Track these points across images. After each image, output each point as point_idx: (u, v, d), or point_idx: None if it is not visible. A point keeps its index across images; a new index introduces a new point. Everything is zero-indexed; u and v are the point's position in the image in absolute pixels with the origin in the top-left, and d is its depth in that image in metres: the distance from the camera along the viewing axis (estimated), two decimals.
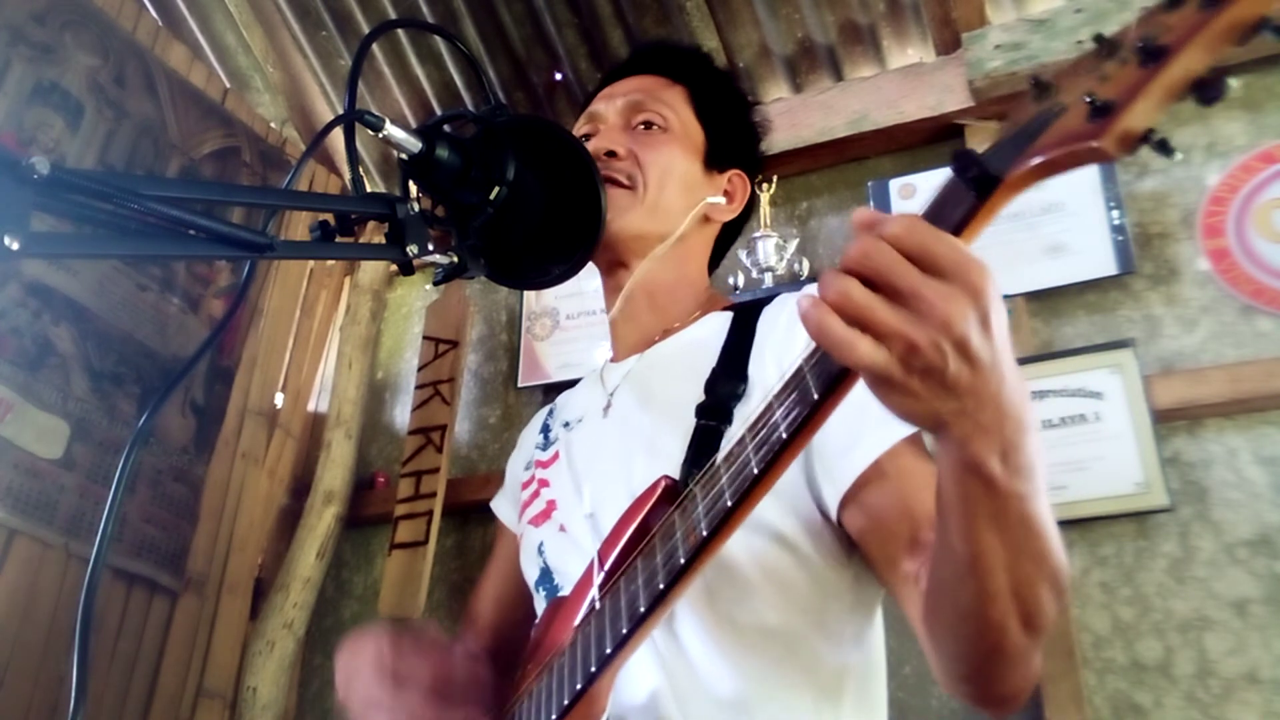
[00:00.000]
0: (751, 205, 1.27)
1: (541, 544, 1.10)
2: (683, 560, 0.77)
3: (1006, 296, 2.07)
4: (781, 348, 0.98)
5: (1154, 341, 1.96)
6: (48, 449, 1.96)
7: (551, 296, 2.61)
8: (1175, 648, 1.76)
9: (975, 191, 0.57)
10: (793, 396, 0.68)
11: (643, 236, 1.12)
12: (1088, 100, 0.53)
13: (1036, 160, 0.55)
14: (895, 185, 2.30)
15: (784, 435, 0.68)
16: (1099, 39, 0.57)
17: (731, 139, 1.22)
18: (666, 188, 1.13)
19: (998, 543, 0.66)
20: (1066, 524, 1.88)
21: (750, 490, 0.72)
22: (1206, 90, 0.51)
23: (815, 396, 0.65)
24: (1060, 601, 0.72)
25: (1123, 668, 1.78)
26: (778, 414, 0.69)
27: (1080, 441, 1.90)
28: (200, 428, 2.35)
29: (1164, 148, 0.52)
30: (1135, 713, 1.74)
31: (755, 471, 0.70)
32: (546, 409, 1.29)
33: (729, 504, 0.73)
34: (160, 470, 2.22)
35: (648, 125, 1.17)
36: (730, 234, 1.26)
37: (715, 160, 1.20)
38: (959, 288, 0.56)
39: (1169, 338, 1.96)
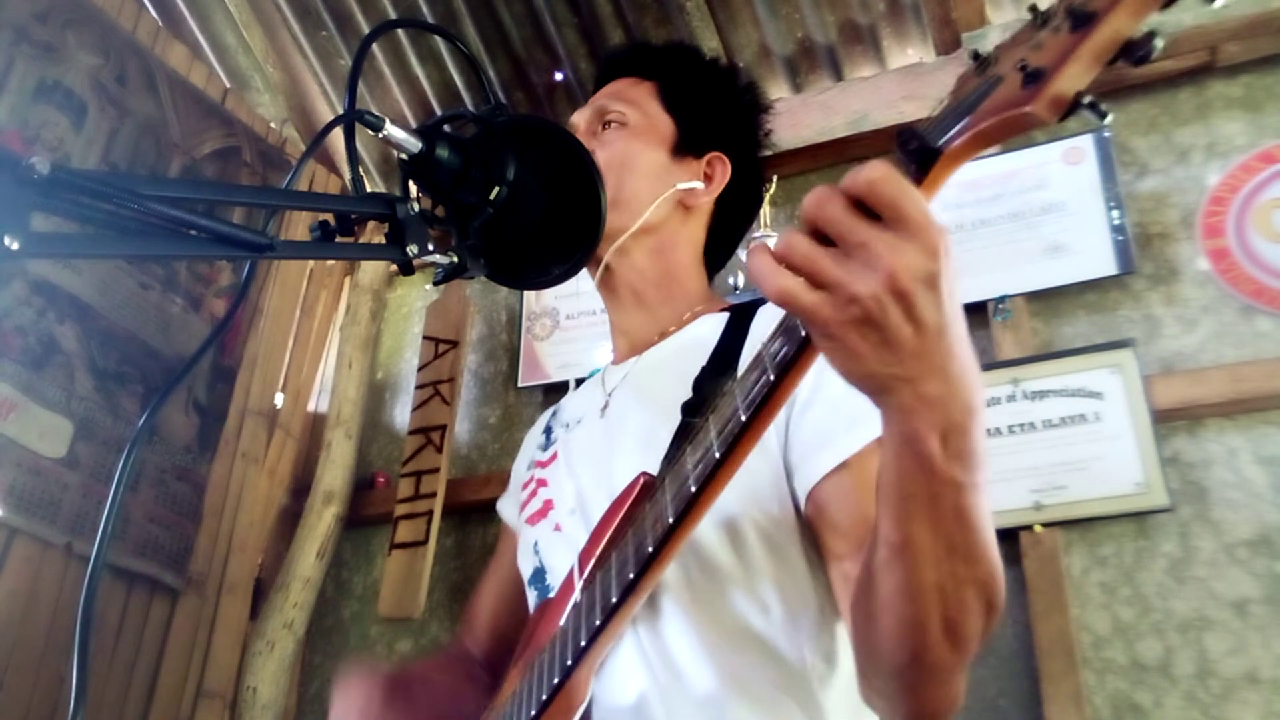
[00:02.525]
0: (753, 186, 1.25)
1: (537, 542, 1.10)
2: (650, 548, 0.77)
3: (1006, 296, 2.07)
4: None
5: (1154, 341, 1.96)
6: (51, 448, 1.96)
7: (551, 296, 2.61)
8: (1175, 648, 1.76)
9: (916, 164, 0.58)
10: (752, 379, 0.68)
11: (610, 232, 1.11)
12: (1021, 68, 0.54)
13: (973, 130, 0.56)
14: None
15: (743, 418, 0.68)
16: (1033, 9, 0.59)
17: (706, 122, 1.21)
18: (625, 180, 1.13)
19: (928, 532, 0.64)
20: (1066, 524, 1.88)
21: (713, 474, 0.72)
22: (1135, 51, 0.53)
23: (771, 378, 0.65)
24: (990, 618, 0.69)
25: (1123, 668, 1.78)
26: (738, 397, 0.70)
27: (1080, 441, 1.90)
28: (203, 427, 2.35)
29: (1095, 109, 0.53)
30: (1135, 713, 1.74)
31: (717, 455, 0.70)
32: (550, 411, 1.29)
33: (693, 489, 0.73)
34: (164, 469, 2.22)
35: (607, 125, 1.18)
36: (733, 222, 1.25)
37: (689, 146, 1.19)
38: (912, 243, 0.55)
39: (1169, 338, 1.96)
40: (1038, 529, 1.88)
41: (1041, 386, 1.97)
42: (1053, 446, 1.91)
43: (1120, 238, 2.03)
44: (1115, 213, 2.06)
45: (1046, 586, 1.84)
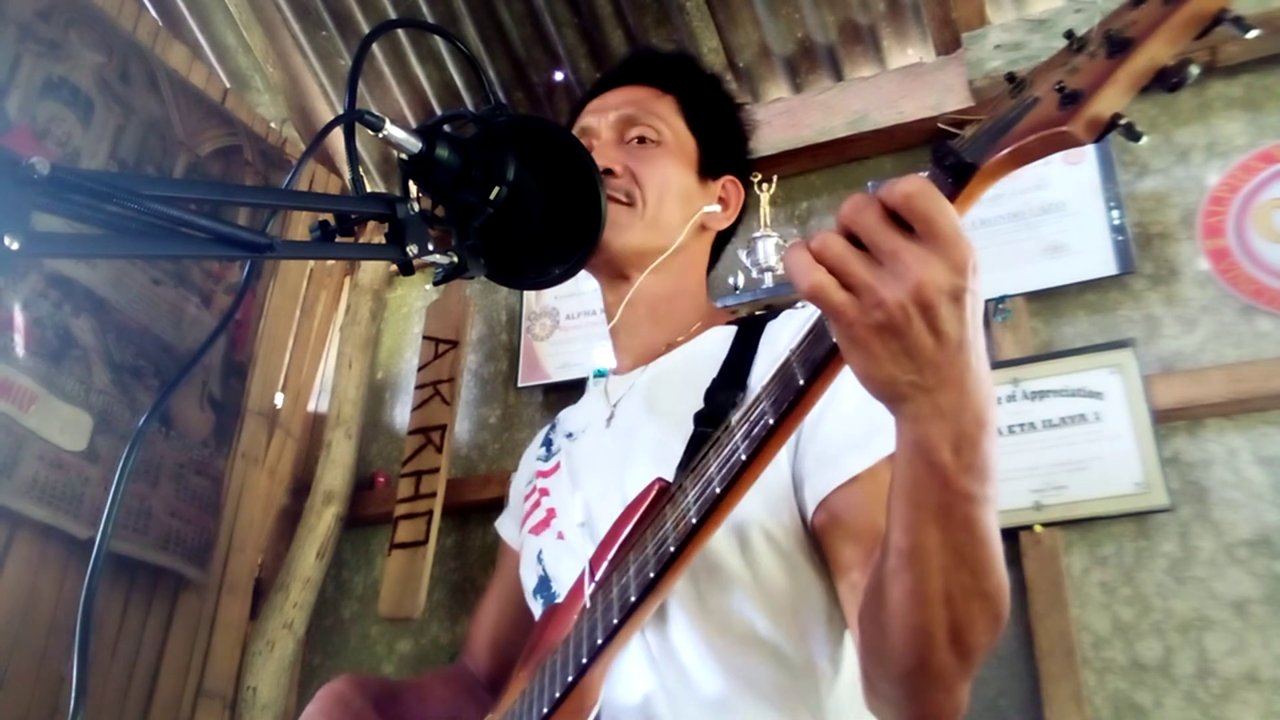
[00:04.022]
0: (745, 209, 1.28)
1: (540, 552, 1.10)
2: (672, 549, 0.78)
3: (1006, 296, 2.07)
4: None
5: (1154, 341, 1.96)
6: (72, 441, 1.96)
7: (551, 296, 2.62)
8: (1175, 648, 1.76)
9: (953, 179, 0.59)
10: (779, 384, 0.69)
11: (644, 252, 1.13)
12: (1058, 89, 0.56)
13: (1011, 148, 0.58)
14: None
15: (771, 422, 0.69)
16: (1070, 35, 0.60)
17: (722, 146, 1.23)
18: (665, 202, 1.14)
19: (937, 541, 0.65)
20: (1066, 524, 1.88)
21: (738, 477, 0.73)
22: (1170, 78, 0.54)
23: (800, 383, 0.66)
24: (995, 629, 0.70)
25: (1123, 668, 1.78)
26: (765, 403, 0.70)
27: (1080, 441, 1.90)
28: (219, 421, 2.36)
29: (1130, 132, 0.55)
30: (1135, 713, 1.74)
31: (743, 458, 0.71)
32: (549, 425, 1.30)
33: (717, 491, 0.74)
34: (182, 464, 2.23)
35: (641, 140, 1.17)
36: (722, 239, 1.27)
37: (709, 168, 1.20)
38: (941, 257, 0.56)
39: (1169, 338, 1.96)
40: (1038, 529, 1.88)
41: (1041, 386, 1.97)
42: (1053, 446, 1.91)
43: (1120, 238, 2.03)
44: (1115, 213, 2.06)
45: (1046, 586, 1.84)
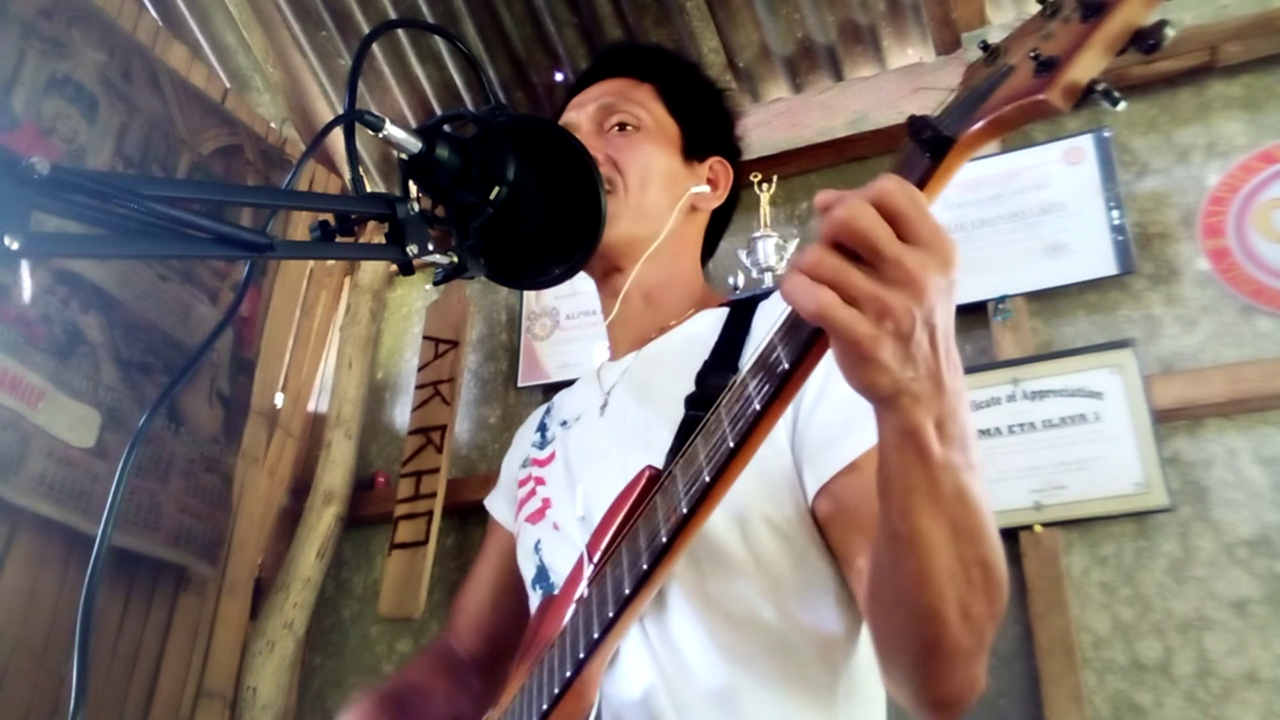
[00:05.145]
0: (737, 192, 1.27)
1: (539, 542, 1.10)
2: (664, 539, 0.77)
3: (1006, 296, 2.07)
4: None
5: (1154, 341, 1.96)
6: (80, 437, 1.95)
7: (551, 296, 2.62)
8: (1175, 648, 1.76)
9: (930, 153, 0.59)
10: (764, 370, 0.69)
11: (634, 241, 1.12)
12: (1033, 57, 0.55)
13: (988, 118, 0.57)
14: None
15: (757, 407, 0.68)
16: (1043, 1, 0.59)
17: (706, 127, 1.22)
18: (648, 186, 1.13)
19: (933, 519, 0.66)
20: (1066, 524, 1.88)
21: (727, 464, 0.72)
22: (1146, 39, 0.53)
23: (785, 367, 0.66)
24: (998, 597, 0.71)
25: (1123, 668, 1.78)
26: (751, 387, 0.70)
27: (1080, 441, 1.90)
28: (228, 418, 2.36)
29: (1109, 96, 0.54)
30: (1135, 713, 1.74)
31: (731, 445, 0.71)
32: (544, 408, 1.29)
33: (707, 480, 0.73)
34: (192, 460, 2.23)
35: (621, 127, 1.17)
36: (719, 223, 1.26)
37: (694, 150, 1.20)
38: (934, 257, 0.56)
39: (1169, 338, 1.96)
40: (1038, 529, 1.88)
41: (1041, 386, 1.97)
42: (1053, 446, 1.91)
43: (1120, 238, 2.03)
44: (1115, 213, 2.06)
45: (1046, 586, 1.84)
